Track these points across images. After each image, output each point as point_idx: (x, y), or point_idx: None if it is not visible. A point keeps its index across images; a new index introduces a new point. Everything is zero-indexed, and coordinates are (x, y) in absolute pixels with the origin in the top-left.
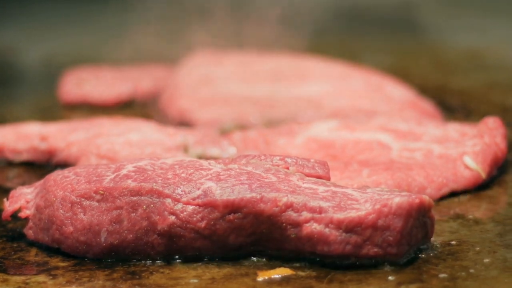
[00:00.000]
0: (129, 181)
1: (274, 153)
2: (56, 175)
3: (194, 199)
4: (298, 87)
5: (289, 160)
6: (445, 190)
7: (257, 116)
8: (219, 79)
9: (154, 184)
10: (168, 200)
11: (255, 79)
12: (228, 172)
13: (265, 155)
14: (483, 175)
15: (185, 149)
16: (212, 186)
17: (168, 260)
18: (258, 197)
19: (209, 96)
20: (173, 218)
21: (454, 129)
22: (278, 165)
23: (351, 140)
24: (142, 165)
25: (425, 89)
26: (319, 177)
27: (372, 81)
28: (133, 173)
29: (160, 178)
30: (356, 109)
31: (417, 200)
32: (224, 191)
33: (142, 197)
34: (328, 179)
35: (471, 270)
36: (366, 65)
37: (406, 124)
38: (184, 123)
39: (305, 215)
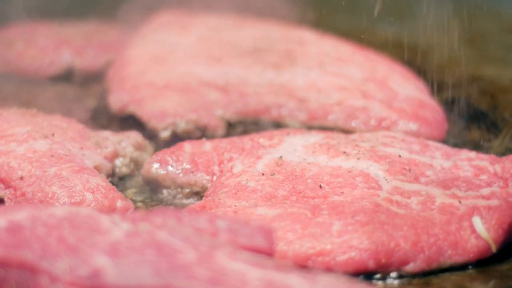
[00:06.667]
0: None
1: (225, 184)
2: None
3: (80, 279)
4: (279, 71)
5: (220, 225)
6: (436, 265)
7: (223, 108)
8: (178, 55)
9: (28, 253)
10: (44, 278)
11: (225, 55)
12: (133, 240)
13: (189, 215)
14: (494, 248)
15: (109, 163)
16: (106, 264)
17: None
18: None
19: (162, 80)
20: None
21: (468, 161)
22: (203, 230)
23: (328, 171)
24: (19, 220)
25: None
26: (258, 250)
27: (376, 70)
28: (3, 233)
29: (39, 243)
30: (347, 107)
31: None
32: (121, 274)
33: (10, 271)
34: (272, 254)
35: None
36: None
37: (407, 148)
38: (127, 115)
39: None
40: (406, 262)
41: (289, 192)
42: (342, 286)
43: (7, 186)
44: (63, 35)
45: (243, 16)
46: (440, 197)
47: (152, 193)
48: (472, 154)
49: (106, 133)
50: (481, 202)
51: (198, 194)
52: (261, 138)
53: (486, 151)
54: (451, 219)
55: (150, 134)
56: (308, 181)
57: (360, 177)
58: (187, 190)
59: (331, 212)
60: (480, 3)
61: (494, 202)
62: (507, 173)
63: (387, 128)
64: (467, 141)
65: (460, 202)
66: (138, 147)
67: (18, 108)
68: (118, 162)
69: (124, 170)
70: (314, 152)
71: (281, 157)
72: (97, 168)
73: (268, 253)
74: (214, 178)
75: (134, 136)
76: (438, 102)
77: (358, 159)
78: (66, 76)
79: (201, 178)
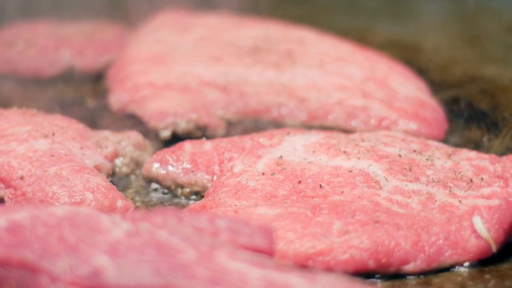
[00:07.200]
0: None
1: (225, 183)
2: None
3: (80, 278)
4: (280, 71)
5: (220, 224)
6: (436, 265)
7: (223, 108)
8: (178, 54)
9: (28, 253)
10: (44, 278)
11: (225, 55)
12: (133, 239)
13: (189, 214)
14: (494, 247)
15: (110, 162)
16: (107, 264)
17: None
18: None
19: (162, 79)
20: None
21: (469, 160)
22: (203, 230)
23: (328, 170)
24: (19, 220)
25: None
26: (258, 250)
27: (376, 70)
28: (3, 232)
29: (39, 243)
30: (347, 107)
31: None
32: (121, 273)
33: (10, 270)
34: (272, 253)
35: None
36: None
37: (407, 147)
38: (127, 115)
39: None
40: (406, 262)
41: (289, 191)
42: (342, 286)
43: (7, 185)
44: (63, 35)
45: (243, 16)
46: (441, 197)
47: (152, 193)
48: (473, 153)
49: (106, 133)
50: (482, 202)
51: (199, 193)
52: (261, 138)
53: (487, 150)
54: (451, 219)
55: (150, 134)
56: (308, 180)
57: (360, 177)
58: (188, 190)
59: (331, 212)
60: (480, 3)
61: (495, 201)
62: (508, 172)
63: (387, 128)
64: (468, 141)
65: (460, 201)
66: (138, 147)
67: (18, 108)
68: (118, 161)
69: (124, 169)
70: (314, 151)
71: (281, 156)
72: (97, 168)
73: (268, 252)
74: (215, 177)
75: (134, 136)
76: (438, 101)
77: (359, 158)
78: (66, 76)
79: (202, 177)
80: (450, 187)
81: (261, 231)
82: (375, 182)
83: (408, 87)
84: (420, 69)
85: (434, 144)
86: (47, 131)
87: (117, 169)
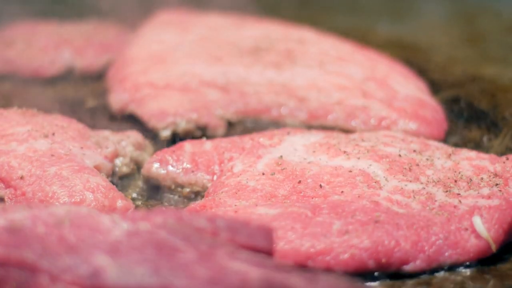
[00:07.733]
0: None
1: (225, 183)
2: None
3: (80, 278)
4: (280, 71)
5: (220, 224)
6: (436, 265)
7: (223, 108)
8: (178, 54)
9: (28, 253)
10: (44, 277)
11: (225, 54)
12: (133, 239)
13: (189, 214)
14: (494, 247)
15: (110, 162)
16: (107, 264)
17: None
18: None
19: (162, 79)
20: None
21: (469, 160)
22: (203, 229)
23: (328, 170)
24: (19, 219)
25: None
26: (258, 250)
27: (376, 70)
28: (3, 232)
29: (39, 243)
30: (347, 106)
31: None
32: (121, 273)
33: (10, 270)
34: (272, 253)
35: None
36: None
37: (407, 147)
38: (127, 115)
39: None
40: (406, 262)
41: (289, 191)
42: (342, 286)
43: (7, 185)
44: (63, 35)
45: (242, 17)
46: (440, 197)
47: (152, 192)
48: (473, 153)
49: (106, 133)
50: (482, 202)
51: (199, 193)
52: (261, 138)
53: (486, 150)
54: (451, 219)
55: (150, 134)
56: (308, 180)
57: (360, 177)
58: (188, 190)
59: (331, 212)
60: (480, 3)
61: (495, 201)
62: (508, 172)
63: (387, 128)
64: (468, 141)
65: (460, 201)
66: (138, 147)
67: (18, 108)
68: (118, 161)
69: (124, 169)
70: (314, 151)
71: (281, 156)
72: (97, 168)
73: (268, 252)
74: (215, 177)
75: (134, 136)
76: (438, 101)
77: (358, 158)
78: (66, 76)
79: (202, 177)
80: (450, 187)
81: (261, 231)
82: (375, 182)
83: (408, 87)
84: (420, 69)
85: (434, 144)
86: (47, 131)
87: (117, 169)
